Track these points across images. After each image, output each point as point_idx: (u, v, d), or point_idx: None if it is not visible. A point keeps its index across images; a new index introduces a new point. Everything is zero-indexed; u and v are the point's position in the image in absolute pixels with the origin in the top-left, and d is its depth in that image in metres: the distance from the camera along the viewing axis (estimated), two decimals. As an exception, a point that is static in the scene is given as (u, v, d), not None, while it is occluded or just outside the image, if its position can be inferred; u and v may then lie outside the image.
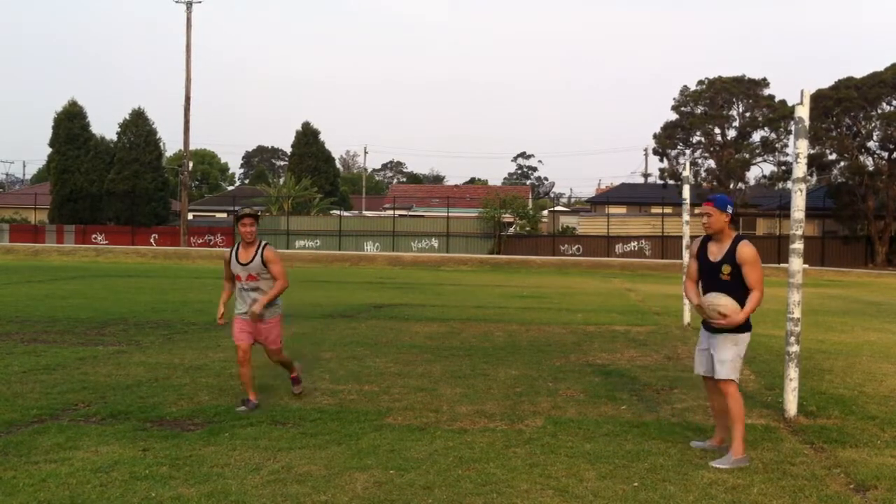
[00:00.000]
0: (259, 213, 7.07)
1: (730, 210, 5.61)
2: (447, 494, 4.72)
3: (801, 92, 6.81)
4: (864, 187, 40.51)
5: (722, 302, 5.49)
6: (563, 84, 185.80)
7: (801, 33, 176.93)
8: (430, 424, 6.34)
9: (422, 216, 52.89)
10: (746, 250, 5.51)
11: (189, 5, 46.50)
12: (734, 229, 5.69)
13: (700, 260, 5.74)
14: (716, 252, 5.62)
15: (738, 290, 5.53)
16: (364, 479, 4.95)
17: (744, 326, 5.56)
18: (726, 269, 5.52)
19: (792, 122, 8.63)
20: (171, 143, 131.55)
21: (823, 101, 39.08)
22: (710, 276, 5.65)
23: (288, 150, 63.48)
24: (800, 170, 6.75)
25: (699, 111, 43.40)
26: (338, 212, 53.44)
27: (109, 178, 50.24)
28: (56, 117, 51.62)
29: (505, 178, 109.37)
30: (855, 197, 41.00)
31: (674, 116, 44.02)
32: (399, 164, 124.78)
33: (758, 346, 10.94)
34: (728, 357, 5.52)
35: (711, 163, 43.79)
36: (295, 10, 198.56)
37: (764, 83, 42.98)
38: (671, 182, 43.50)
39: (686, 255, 13.83)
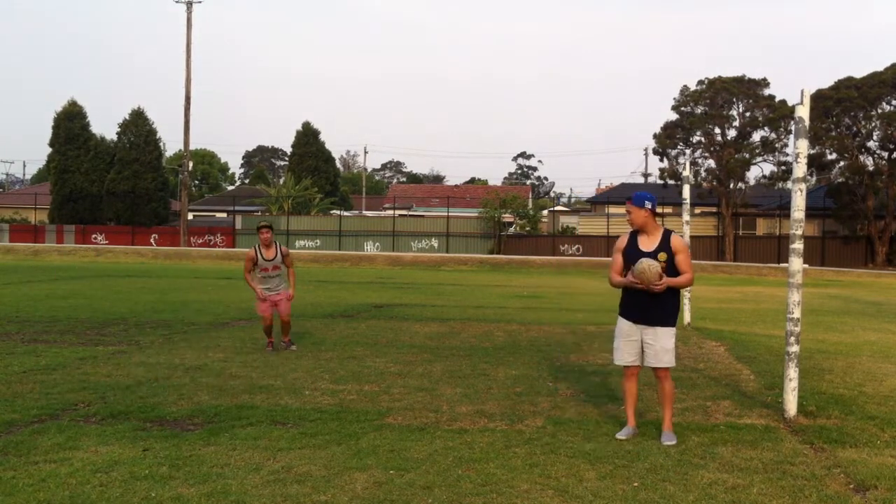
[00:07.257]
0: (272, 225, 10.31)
1: (648, 205, 6.05)
2: (447, 494, 4.72)
3: (801, 92, 6.80)
4: (864, 187, 40.55)
5: (655, 263, 5.91)
6: (563, 83, 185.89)
7: (801, 33, 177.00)
8: (430, 424, 6.34)
9: (422, 216, 52.89)
10: (680, 240, 6.08)
11: (189, 5, 46.49)
12: (658, 222, 6.17)
13: (630, 251, 6.08)
14: (648, 243, 6.05)
15: (669, 275, 6.00)
16: (364, 479, 4.95)
17: (676, 319, 6.12)
18: (662, 256, 5.98)
19: (792, 122, 8.65)
20: (171, 143, 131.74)
21: (823, 101, 39.09)
22: None
23: (288, 150, 63.51)
24: (800, 170, 6.75)
25: (699, 111, 43.36)
26: (338, 212, 53.45)
27: (109, 178, 50.26)
28: (56, 117, 51.64)
29: (505, 178, 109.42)
30: (855, 197, 41.01)
31: (674, 116, 44.03)
32: (399, 164, 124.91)
33: (758, 346, 10.94)
34: (671, 346, 6.05)
35: (711, 163, 43.77)
36: (295, 10, 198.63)
37: (764, 83, 42.96)
38: (671, 182, 43.46)
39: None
